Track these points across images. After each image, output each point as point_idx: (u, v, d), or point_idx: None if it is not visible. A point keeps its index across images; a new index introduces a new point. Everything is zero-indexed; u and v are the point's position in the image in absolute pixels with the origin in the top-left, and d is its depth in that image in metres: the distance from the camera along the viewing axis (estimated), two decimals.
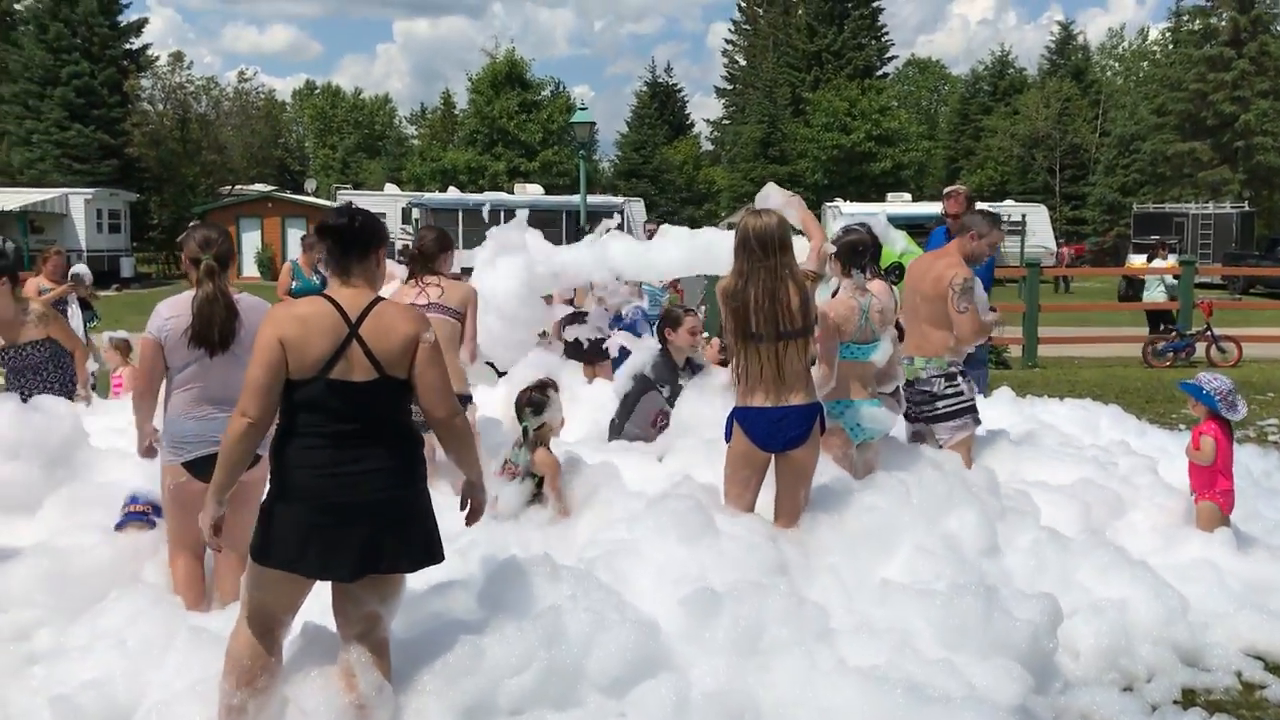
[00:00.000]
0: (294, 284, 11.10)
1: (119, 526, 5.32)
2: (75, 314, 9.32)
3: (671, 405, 6.67)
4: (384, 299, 3.85)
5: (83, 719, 3.89)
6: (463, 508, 4.03)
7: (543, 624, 4.05)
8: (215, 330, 4.69)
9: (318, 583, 3.86)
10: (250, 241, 41.70)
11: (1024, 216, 39.94)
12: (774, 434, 5.03)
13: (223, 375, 4.74)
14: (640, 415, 6.73)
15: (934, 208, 31.84)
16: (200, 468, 4.70)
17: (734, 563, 4.65)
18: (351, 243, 3.82)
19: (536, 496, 5.54)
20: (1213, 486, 5.77)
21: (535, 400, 5.61)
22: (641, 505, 5.17)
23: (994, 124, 58.02)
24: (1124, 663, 4.56)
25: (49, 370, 7.41)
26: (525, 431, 5.59)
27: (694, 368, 6.97)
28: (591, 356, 8.81)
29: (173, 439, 4.83)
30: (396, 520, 3.75)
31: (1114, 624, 4.62)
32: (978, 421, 6.49)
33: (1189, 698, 4.47)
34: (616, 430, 6.80)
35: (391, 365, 3.73)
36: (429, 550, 3.85)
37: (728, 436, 5.21)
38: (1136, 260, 27.33)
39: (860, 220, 6.42)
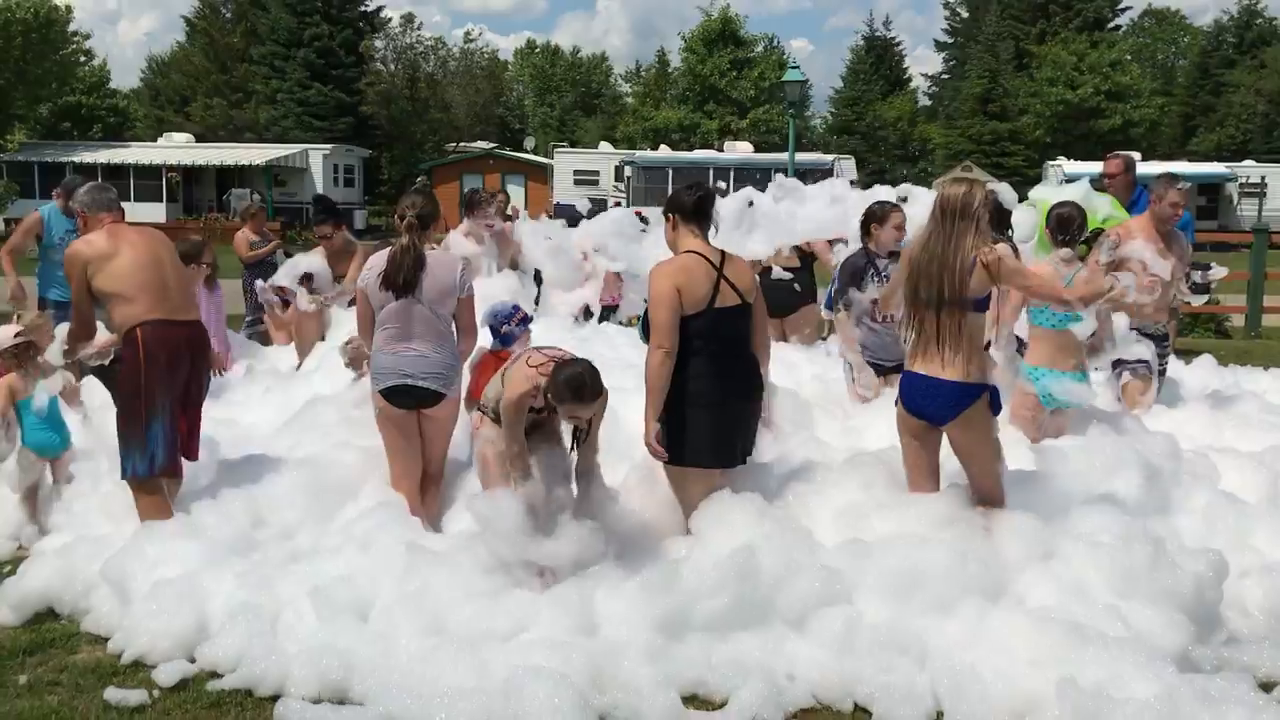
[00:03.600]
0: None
1: (506, 342, 6.04)
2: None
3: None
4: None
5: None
6: None
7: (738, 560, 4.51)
8: (401, 276, 5.37)
9: None
10: None
11: (1263, 178, 37.51)
12: (923, 403, 4.88)
13: (408, 316, 5.43)
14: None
15: (1164, 168, 30.20)
16: (391, 395, 5.48)
17: (902, 517, 4.96)
18: (699, 210, 5.11)
19: None
20: None
21: None
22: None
23: (1237, 79, 54.35)
24: None
25: None
26: None
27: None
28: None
29: (374, 370, 5.61)
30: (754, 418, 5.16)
31: None
32: (1135, 372, 6.93)
33: None
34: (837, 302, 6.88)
35: (747, 294, 5.02)
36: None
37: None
38: None
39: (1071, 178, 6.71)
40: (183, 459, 5.57)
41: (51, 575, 5.00)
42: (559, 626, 4.39)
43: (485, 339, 6.09)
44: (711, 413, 4.95)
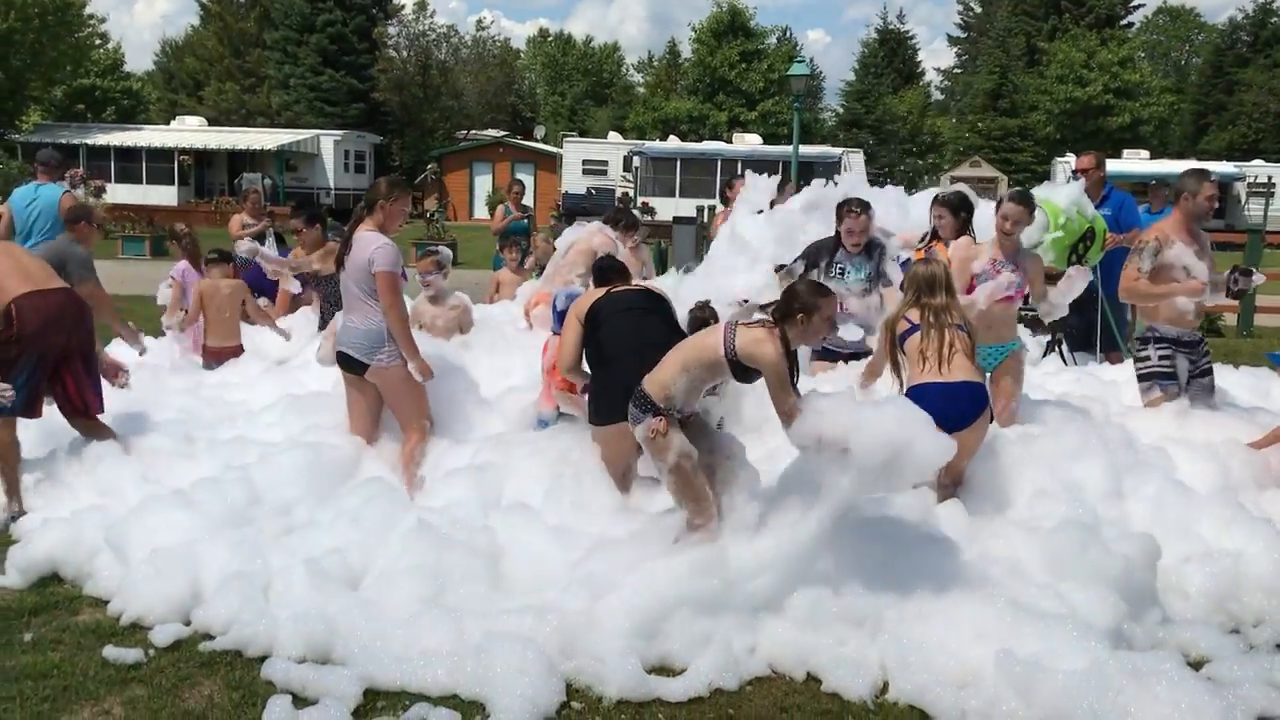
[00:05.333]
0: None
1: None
2: (271, 247, 10.29)
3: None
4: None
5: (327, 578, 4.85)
6: None
7: None
8: (340, 252, 6.24)
9: None
10: (482, 185, 43.84)
11: (1270, 178, 37.54)
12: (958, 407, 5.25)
13: (345, 291, 6.17)
14: None
15: (1173, 167, 30.32)
16: (338, 360, 6.26)
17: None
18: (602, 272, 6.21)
19: None
20: None
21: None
22: None
23: (1250, 78, 54.27)
24: (1233, 608, 4.82)
25: None
26: None
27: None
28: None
29: None
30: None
31: (1226, 571, 4.88)
32: (1164, 389, 6.70)
33: None
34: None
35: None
36: None
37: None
38: None
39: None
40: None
41: (57, 541, 5.28)
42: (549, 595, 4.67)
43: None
44: (606, 368, 5.67)
